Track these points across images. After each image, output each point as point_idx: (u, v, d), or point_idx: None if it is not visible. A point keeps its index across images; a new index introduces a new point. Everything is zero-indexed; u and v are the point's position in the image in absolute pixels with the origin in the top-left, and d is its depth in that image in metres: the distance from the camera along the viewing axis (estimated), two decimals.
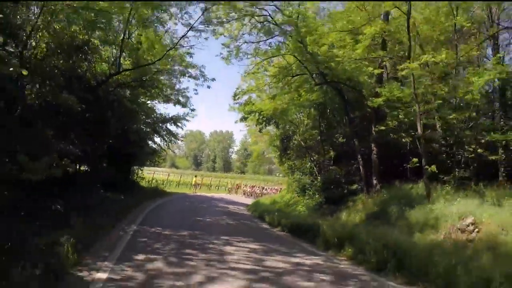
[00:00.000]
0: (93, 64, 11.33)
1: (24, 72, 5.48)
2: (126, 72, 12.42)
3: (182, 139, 28.59)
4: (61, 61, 8.93)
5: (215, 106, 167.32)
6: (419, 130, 9.90)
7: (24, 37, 7.57)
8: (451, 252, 6.15)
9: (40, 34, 8.21)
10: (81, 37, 9.72)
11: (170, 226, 9.30)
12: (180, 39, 12.08)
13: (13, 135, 6.08)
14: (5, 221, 5.22)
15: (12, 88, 6.52)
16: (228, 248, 7.14)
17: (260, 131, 21.13)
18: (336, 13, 13.05)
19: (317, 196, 15.78)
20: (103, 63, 11.96)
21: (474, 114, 10.26)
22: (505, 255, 6.18)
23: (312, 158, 17.59)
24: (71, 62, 9.27)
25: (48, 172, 6.11)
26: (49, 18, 8.03)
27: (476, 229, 7.18)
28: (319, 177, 16.39)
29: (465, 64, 11.46)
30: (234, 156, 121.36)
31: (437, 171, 9.56)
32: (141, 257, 5.74)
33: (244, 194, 34.12)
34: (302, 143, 18.17)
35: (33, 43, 8.27)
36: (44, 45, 8.43)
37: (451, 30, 11.28)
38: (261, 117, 18.17)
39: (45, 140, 6.96)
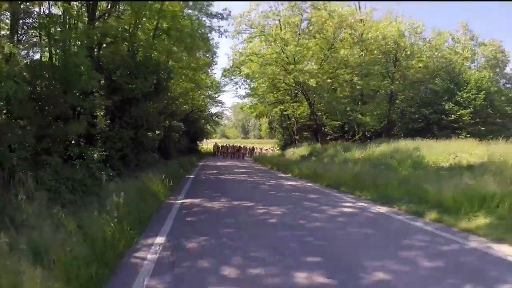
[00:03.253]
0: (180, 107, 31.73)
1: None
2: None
3: (222, 123, 49.82)
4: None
5: None
6: (294, 125, 29.20)
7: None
8: (283, 159, 25.77)
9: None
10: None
11: (213, 161, 30.05)
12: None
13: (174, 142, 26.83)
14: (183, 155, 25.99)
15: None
16: (230, 162, 27.61)
17: (258, 119, 41.02)
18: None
19: (281, 149, 35.64)
20: (186, 106, 32.31)
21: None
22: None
23: (280, 131, 37.22)
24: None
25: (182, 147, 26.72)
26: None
27: (294, 154, 26.56)
28: (282, 140, 36.11)
29: None
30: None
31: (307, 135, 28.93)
32: (207, 163, 26.44)
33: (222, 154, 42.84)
34: (277, 125, 37.75)
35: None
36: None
37: None
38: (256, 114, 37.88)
39: (181, 141, 27.62)
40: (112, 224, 5.04)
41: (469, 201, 7.16)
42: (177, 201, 9.20)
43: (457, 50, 28.33)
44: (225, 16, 16.11)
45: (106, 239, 4.59)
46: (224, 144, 47.92)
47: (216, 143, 50.25)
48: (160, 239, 5.47)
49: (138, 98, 11.37)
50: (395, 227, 6.70)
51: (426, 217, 7.24)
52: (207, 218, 7.25)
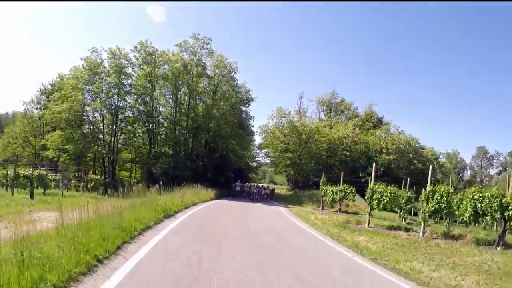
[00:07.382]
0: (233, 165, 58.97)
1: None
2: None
3: (270, 169, 77.10)
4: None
5: None
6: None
7: None
8: (280, 195, 51.26)
9: None
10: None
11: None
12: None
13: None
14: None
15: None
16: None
17: (281, 173, 67.24)
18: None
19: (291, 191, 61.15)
20: (235, 165, 59.33)
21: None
22: None
23: (292, 182, 62.80)
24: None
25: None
26: None
27: (287, 193, 51.73)
28: (291, 186, 61.66)
29: None
30: None
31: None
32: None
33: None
34: (289, 176, 63.44)
35: None
36: None
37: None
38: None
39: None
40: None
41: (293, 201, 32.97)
42: (226, 198, 35.84)
43: (379, 142, 52.83)
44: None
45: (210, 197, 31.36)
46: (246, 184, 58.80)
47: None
48: (220, 199, 32.17)
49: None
50: (277, 208, 32.63)
51: (287, 206, 33.16)
52: (231, 199, 33.90)
